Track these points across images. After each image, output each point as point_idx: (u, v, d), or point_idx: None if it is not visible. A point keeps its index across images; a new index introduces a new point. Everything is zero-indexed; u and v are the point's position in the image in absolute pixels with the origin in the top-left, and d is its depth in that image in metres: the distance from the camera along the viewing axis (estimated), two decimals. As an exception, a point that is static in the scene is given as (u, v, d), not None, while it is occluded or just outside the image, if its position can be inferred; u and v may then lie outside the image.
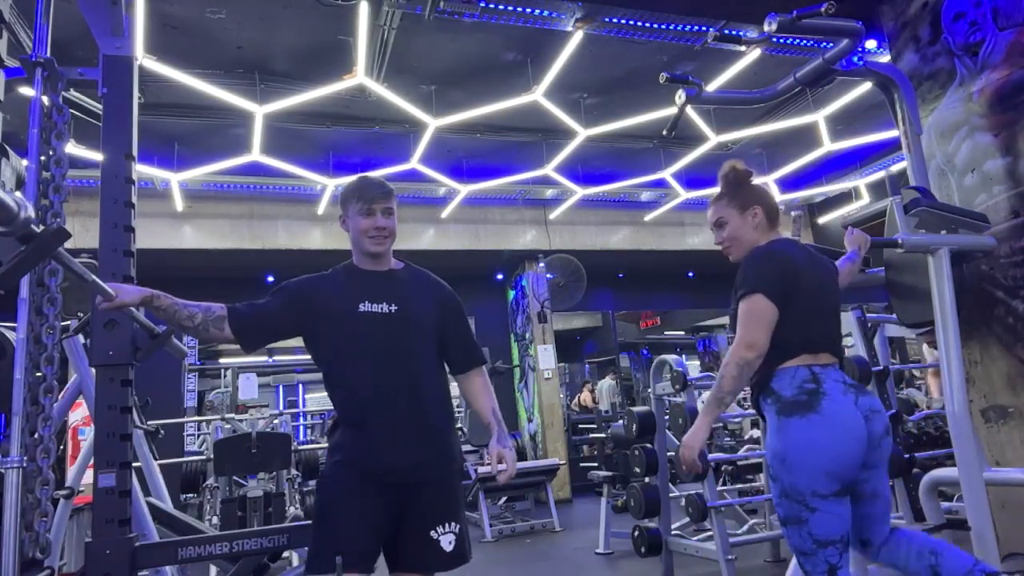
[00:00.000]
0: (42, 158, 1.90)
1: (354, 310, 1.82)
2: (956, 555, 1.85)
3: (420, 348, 1.86)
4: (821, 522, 1.74)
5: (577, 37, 4.41)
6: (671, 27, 4.34)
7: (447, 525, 1.75)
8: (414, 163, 6.16)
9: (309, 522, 1.82)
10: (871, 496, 1.88)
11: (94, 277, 1.59)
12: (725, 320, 12.89)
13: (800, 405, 1.79)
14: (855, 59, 2.73)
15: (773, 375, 1.87)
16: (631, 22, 4.29)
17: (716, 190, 2.15)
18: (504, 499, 6.82)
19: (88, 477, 2.32)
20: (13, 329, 1.83)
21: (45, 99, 1.94)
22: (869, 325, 3.54)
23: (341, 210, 1.95)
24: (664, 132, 2.80)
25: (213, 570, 4.33)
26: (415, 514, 1.74)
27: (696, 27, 4.32)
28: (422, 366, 1.85)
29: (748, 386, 1.99)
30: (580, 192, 7.34)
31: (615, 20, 4.27)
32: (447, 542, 1.73)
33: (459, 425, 9.66)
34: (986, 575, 1.82)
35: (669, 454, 4.02)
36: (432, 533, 1.73)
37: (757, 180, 2.14)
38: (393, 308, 1.84)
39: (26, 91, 1.93)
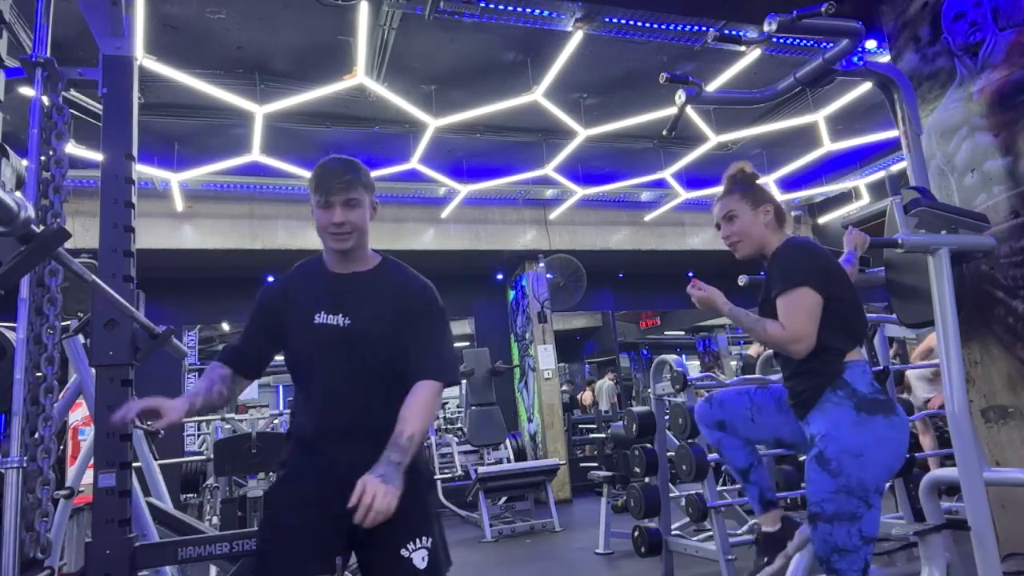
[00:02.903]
0: (42, 158, 1.90)
1: (310, 321, 1.65)
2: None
3: (374, 368, 1.64)
4: (873, 518, 1.77)
5: (577, 37, 4.41)
6: (671, 27, 4.34)
7: (418, 540, 1.59)
8: (414, 163, 6.17)
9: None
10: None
11: (94, 277, 1.59)
12: (725, 320, 12.89)
13: (882, 405, 1.80)
14: (855, 59, 2.72)
15: (845, 367, 1.85)
16: (631, 22, 4.29)
17: (721, 189, 2.14)
18: (504, 499, 6.82)
19: (88, 477, 2.32)
20: (13, 329, 1.83)
21: (45, 99, 1.94)
22: (869, 325, 3.53)
23: None
24: (664, 132, 2.80)
25: (213, 570, 4.33)
26: (383, 531, 1.52)
27: (696, 27, 4.32)
28: (375, 389, 1.64)
29: (794, 375, 1.96)
30: (580, 192, 7.35)
31: (615, 20, 4.27)
32: (420, 559, 1.58)
33: (459, 425, 9.67)
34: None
35: (669, 454, 4.02)
36: (403, 551, 1.57)
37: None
38: (346, 321, 1.64)
39: (26, 91, 1.93)
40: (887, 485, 3.39)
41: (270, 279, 1.70)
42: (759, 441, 2.21)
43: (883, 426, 1.77)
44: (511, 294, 8.87)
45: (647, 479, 4.15)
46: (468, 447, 7.12)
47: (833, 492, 1.76)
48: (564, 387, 11.18)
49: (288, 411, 7.74)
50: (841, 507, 1.76)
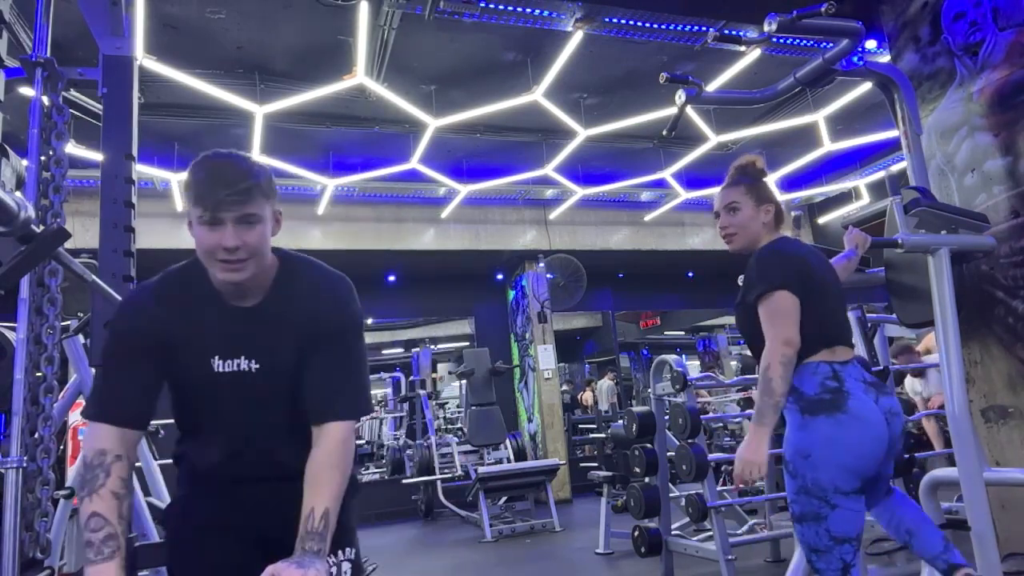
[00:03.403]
0: (42, 158, 1.90)
1: (208, 368, 1.32)
2: (928, 537, 1.93)
3: (289, 411, 1.35)
4: (840, 519, 1.76)
5: (577, 37, 4.41)
6: (671, 27, 4.34)
7: (342, 553, 1.39)
8: (414, 163, 6.17)
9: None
10: (875, 479, 1.90)
11: (94, 277, 1.59)
12: (725, 320, 12.89)
13: (826, 404, 1.79)
14: (855, 59, 2.73)
15: (794, 372, 1.85)
16: (631, 22, 4.29)
17: (729, 178, 2.12)
18: (504, 499, 6.82)
19: (88, 477, 2.32)
20: (13, 329, 1.83)
21: (45, 99, 1.94)
22: (869, 325, 3.53)
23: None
24: (664, 132, 2.80)
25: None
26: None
27: (696, 27, 4.32)
28: (291, 431, 1.35)
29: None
30: (580, 192, 7.35)
31: (615, 20, 4.27)
32: (345, 570, 1.39)
33: (459, 425, 9.67)
34: (949, 565, 1.87)
35: (669, 454, 4.02)
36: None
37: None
38: (254, 366, 1.32)
39: (26, 91, 1.93)
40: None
41: (133, 292, 1.33)
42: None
43: (826, 425, 1.77)
44: (511, 294, 8.88)
45: (647, 479, 4.15)
46: (468, 447, 7.12)
47: (795, 493, 1.81)
48: (564, 387, 11.20)
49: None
50: (804, 508, 1.79)
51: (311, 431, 1.33)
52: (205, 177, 1.23)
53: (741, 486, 1.89)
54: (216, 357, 1.32)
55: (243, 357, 1.33)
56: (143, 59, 4.12)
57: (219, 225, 1.22)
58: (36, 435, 1.80)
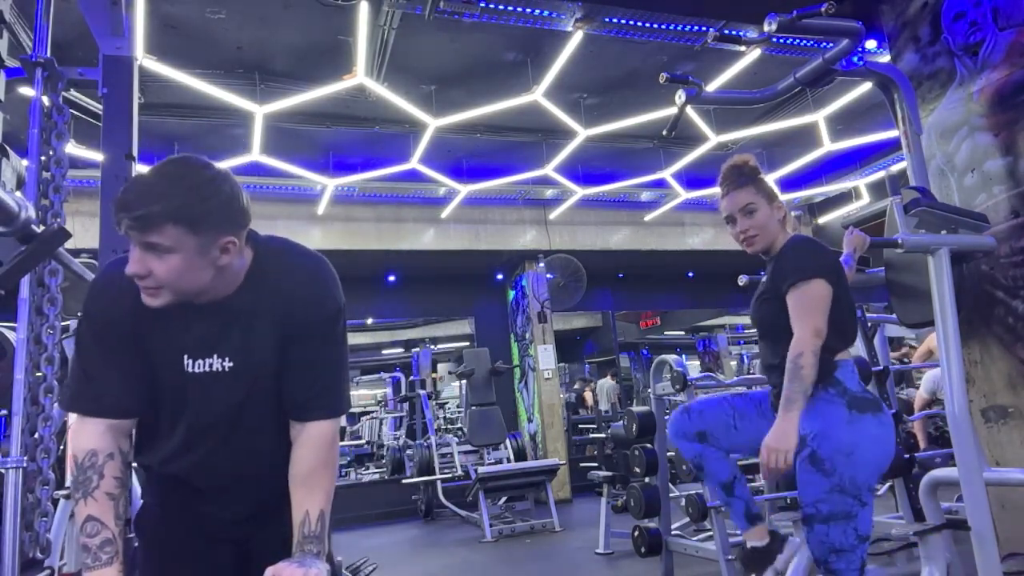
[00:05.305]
0: (42, 158, 1.90)
1: (179, 367, 1.23)
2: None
3: (266, 409, 1.29)
4: (867, 517, 1.77)
5: (577, 37, 4.41)
6: (671, 27, 4.34)
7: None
8: (414, 163, 6.17)
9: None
10: None
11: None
12: (725, 320, 12.88)
13: (871, 403, 1.81)
14: (855, 59, 2.73)
15: (837, 365, 1.85)
16: (631, 22, 4.29)
17: (725, 182, 2.06)
18: (504, 499, 6.82)
19: (88, 477, 2.31)
20: (13, 329, 1.83)
21: (45, 99, 1.94)
22: (869, 325, 3.54)
23: None
24: (664, 132, 2.80)
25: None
26: (271, 553, 1.23)
27: (696, 27, 4.32)
28: (267, 433, 1.30)
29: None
30: (580, 192, 7.35)
31: (615, 20, 4.27)
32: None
33: (459, 425, 9.67)
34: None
35: (669, 454, 4.02)
36: None
37: None
38: (227, 364, 1.24)
39: (26, 91, 1.94)
40: (888, 484, 3.41)
41: (107, 272, 1.26)
42: (739, 450, 2.14)
43: (873, 424, 1.78)
44: (511, 294, 8.88)
45: (647, 479, 4.15)
46: (468, 447, 7.12)
47: (827, 492, 1.76)
48: (576, 385, 11.20)
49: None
50: (836, 507, 1.76)
51: (288, 430, 1.29)
52: (123, 189, 1.14)
53: (768, 474, 1.82)
54: (187, 356, 1.23)
55: (216, 356, 1.24)
56: (143, 59, 4.12)
57: (133, 245, 1.13)
58: (36, 435, 1.80)
